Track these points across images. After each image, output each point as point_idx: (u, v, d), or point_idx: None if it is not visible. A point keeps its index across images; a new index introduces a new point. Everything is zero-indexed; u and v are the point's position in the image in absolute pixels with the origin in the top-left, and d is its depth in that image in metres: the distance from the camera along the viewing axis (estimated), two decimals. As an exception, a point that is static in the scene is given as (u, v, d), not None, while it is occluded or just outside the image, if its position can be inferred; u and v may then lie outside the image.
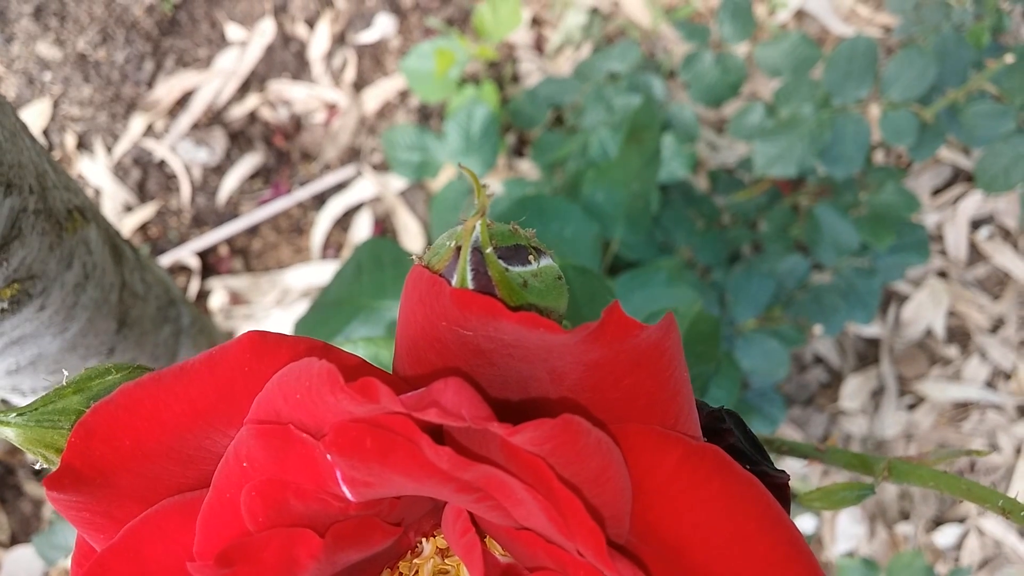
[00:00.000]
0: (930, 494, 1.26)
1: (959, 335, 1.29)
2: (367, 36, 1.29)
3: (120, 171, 1.28)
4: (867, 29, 1.35)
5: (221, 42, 1.30)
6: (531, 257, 0.25)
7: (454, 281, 0.23)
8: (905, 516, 1.25)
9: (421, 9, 1.30)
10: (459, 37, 1.20)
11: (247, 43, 1.29)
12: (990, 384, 1.26)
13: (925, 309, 1.29)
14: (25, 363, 0.52)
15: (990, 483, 1.26)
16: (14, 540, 1.19)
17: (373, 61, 1.30)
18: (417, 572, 0.28)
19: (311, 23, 1.31)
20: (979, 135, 0.94)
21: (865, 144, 0.97)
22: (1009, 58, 0.94)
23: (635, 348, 0.23)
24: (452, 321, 0.23)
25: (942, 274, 1.29)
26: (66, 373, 0.28)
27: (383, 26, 1.29)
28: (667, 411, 0.24)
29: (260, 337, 0.24)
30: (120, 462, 0.25)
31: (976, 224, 1.30)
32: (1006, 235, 1.30)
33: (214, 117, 1.29)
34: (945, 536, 1.23)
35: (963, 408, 1.27)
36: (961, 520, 1.24)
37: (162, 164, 1.28)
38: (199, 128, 1.29)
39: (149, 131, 1.29)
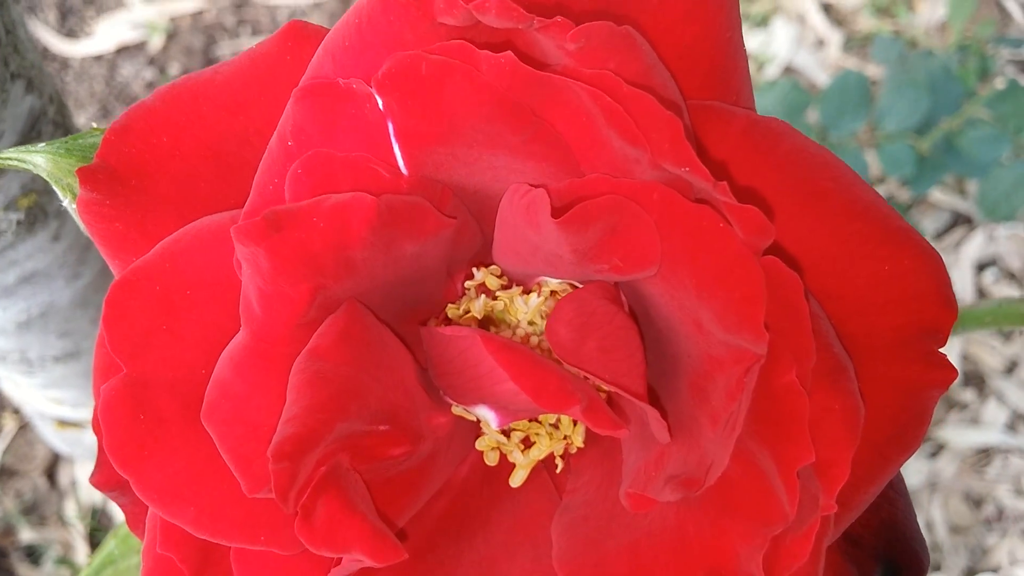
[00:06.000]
0: (960, 543, 1.22)
1: (974, 378, 1.27)
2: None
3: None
4: (855, 85, 1.38)
5: (223, 119, 1.33)
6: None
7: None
8: (936, 568, 1.20)
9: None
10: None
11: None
12: (1011, 427, 1.24)
13: (937, 354, 1.27)
14: (36, 313, 0.50)
15: (1020, 530, 1.22)
16: (6, 624, 1.13)
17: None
18: (467, 312, 0.26)
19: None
20: (977, 162, 0.94)
21: (863, 176, 0.98)
22: (999, 83, 0.95)
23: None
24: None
25: (951, 318, 1.28)
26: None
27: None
28: (728, 84, 0.23)
29: (301, 24, 0.24)
30: (157, 162, 0.24)
31: (981, 267, 1.30)
32: (1011, 277, 1.29)
33: (217, 190, 1.30)
34: (980, 585, 1.18)
35: (985, 454, 1.24)
36: (995, 570, 1.19)
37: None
38: (202, 201, 1.29)
39: (152, 205, 1.29)
